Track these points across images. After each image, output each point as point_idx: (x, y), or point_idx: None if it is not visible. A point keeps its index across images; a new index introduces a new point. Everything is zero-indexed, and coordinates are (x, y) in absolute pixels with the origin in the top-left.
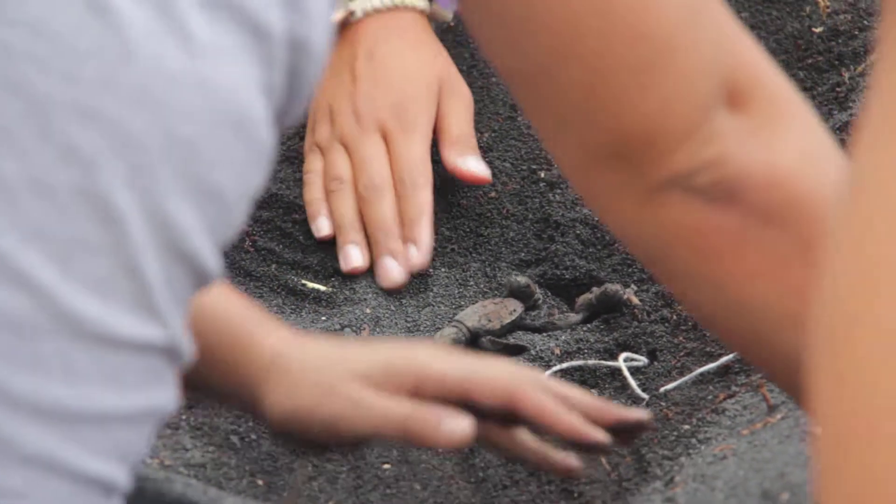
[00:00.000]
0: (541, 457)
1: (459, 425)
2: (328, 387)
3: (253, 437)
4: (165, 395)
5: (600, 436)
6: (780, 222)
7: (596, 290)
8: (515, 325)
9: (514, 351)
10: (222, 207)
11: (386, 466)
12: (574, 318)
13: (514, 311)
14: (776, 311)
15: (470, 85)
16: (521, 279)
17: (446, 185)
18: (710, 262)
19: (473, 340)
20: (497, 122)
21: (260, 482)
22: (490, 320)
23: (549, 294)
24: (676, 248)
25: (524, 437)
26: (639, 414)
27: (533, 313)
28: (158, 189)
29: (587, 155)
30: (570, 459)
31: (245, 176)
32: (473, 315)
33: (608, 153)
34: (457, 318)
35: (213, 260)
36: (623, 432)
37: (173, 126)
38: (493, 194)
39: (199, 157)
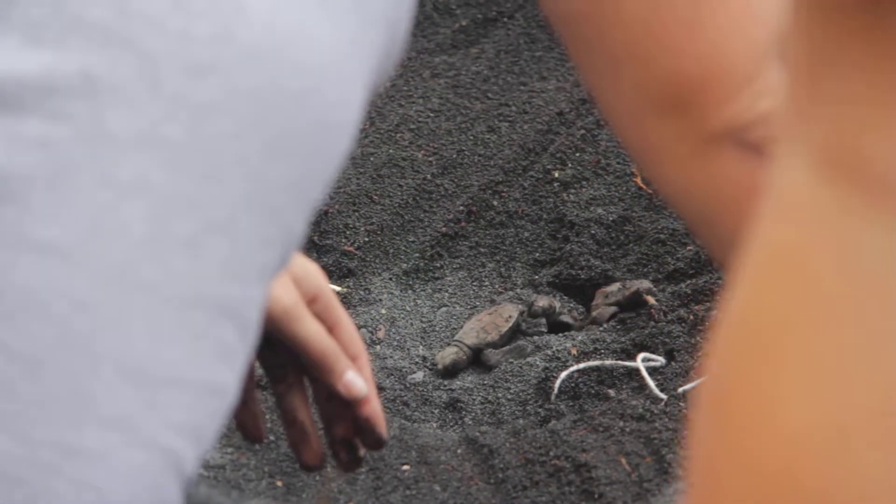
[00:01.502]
0: (304, 432)
1: (357, 384)
2: (280, 284)
3: (272, 438)
4: (232, 378)
5: (383, 432)
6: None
7: (618, 287)
8: (514, 331)
9: (518, 354)
10: (317, 166)
11: (405, 467)
12: (606, 312)
13: (510, 317)
14: None
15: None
16: (544, 301)
17: (458, 190)
18: None
19: (476, 356)
20: (509, 118)
21: (279, 483)
22: (488, 332)
23: (565, 297)
24: (726, 206)
25: (301, 409)
26: (382, 433)
27: (532, 320)
28: (262, 147)
29: (642, 100)
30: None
31: (343, 135)
32: (471, 332)
33: (663, 98)
34: (456, 337)
35: (300, 224)
36: (366, 436)
37: (284, 81)
38: (506, 194)
39: (306, 113)
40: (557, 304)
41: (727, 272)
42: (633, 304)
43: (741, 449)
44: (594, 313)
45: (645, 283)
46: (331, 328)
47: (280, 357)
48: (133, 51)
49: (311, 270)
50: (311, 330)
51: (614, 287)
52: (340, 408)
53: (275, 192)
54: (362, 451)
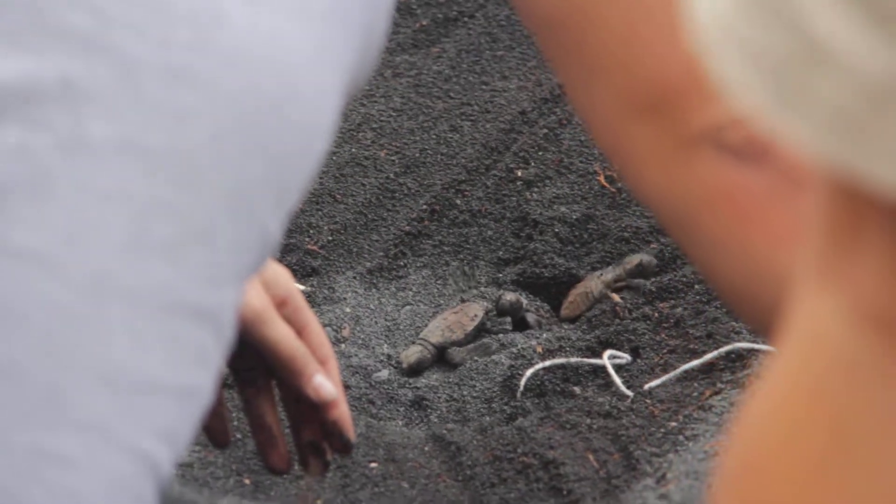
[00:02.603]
0: (272, 436)
1: (326, 388)
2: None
3: (238, 436)
4: (209, 381)
5: (351, 436)
6: (809, 186)
7: (627, 263)
8: (479, 330)
9: (483, 352)
10: (294, 170)
11: (373, 465)
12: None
13: (476, 316)
14: None
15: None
16: (511, 296)
17: (421, 189)
18: (736, 224)
19: (441, 355)
20: (471, 117)
21: (247, 481)
22: (453, 331)
23: (530, 295)
24: (703, 208)
25: (269, 412)
26: (350, 437)
27: (498, 319)
28: (239, 151)
29: (621, 104)
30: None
31: (319, 137)
32: (436, 330)
33: (642, 102)
34: (420, 336)
35: (277, 228)
36: (331, 439)
37: (262, 86)
38: (469, 193)
39: (283, 117)
40: (524, 301)
41: (704, 273)
42: (639, 275)
43: None
44: (565, 311)
45: (646, 256)
46: (299, 331)
47: (249, 360)
48: (113, 58)
49: (280, 274)
50: (280, 333)
51: (601, 273)
52: (308, 411)
53: (252, 197)
54: (330, 455)
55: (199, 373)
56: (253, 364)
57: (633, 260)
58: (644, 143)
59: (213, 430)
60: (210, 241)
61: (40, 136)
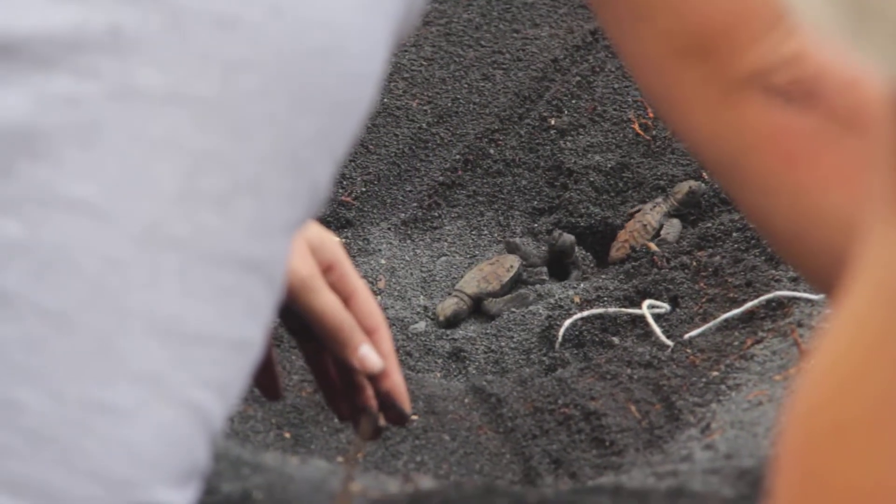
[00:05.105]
0: (337, 388)
1: (371, 359)
2: (297, 253)
3: None
4: (259, 333)
5: (406, 407)
6: (856, 128)
7: (676, 192)
8: (516, 281)
9: (520, 303)
10: (342, 121)
11: (414, 417)
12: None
13: (512, 266)
14: (850, 223)
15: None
16: (569, 236)
17: (454, 139)
18: (785, 168)
19: (477, 306)
20: (503, 66)
21: (287, 435)
22: (489, 282)
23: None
24: (751, 152)
25: (332, 365)
26: (404, 408)
27: (534, 269)
28: (288, 102)
29: (667, 47)
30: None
31: (366, 88)
32: (472, 281)
33: (689, 44)
34: (456, 287)
35: (326, 178)
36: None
37: (307, 36)
38: (503, 142)
39: (329, 67)
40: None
41: (750, 217)
42: (690, 202)
43: None
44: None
45: (693, 182)
46: (346, 298)
47: (305, 321)
48: (162, 6)
49: (326, 239)
50: (326, 303)
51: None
52: (361, 378)
53: (301, 148)
54: (382, 422)
55: (250, 325)
56: (307, 323)
57: (683, 188)
58: (691, 86)
59: (264, 384)
60: (260, 192)
61: (90, 86)
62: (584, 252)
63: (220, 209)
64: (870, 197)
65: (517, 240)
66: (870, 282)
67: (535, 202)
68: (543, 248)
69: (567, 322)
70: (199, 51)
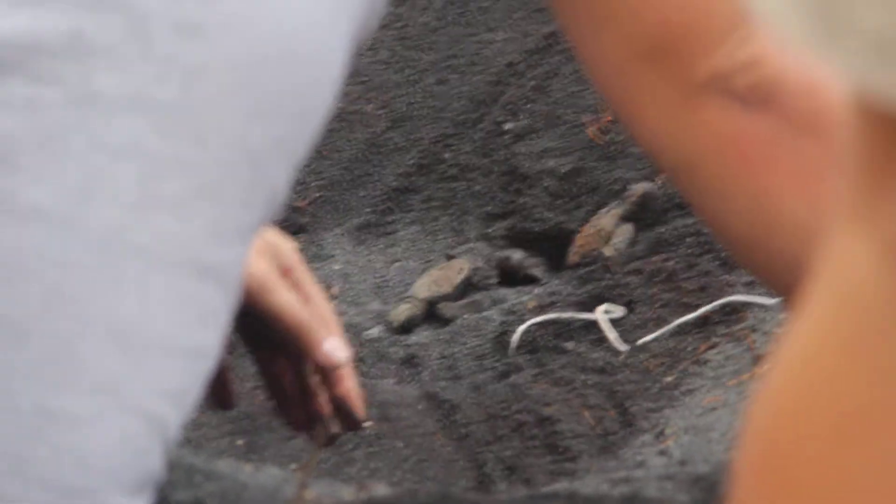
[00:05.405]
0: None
1: (338, 352)
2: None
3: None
4: (216, 341)
5: (360, 413)
6: (815, 133)
7: (630, 195)
8: (467, 284)
9: (474, 308)
10: (300, 127)
11: (367, 424)
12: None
13: (462, 269)
14: (806, 228)
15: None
16: (518, 254)
17: (409, 144)
18: (743, 172)
19: (431, 310)
20: (458, 70)
21: (239, 442)
22: (440, 285)
23: (522, 250)
24: (709, 156)
25: (285, 374)
26: (358, 413)
27: (485, 273)
28: (246, 109)
29: (627, 50)
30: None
31: (325, 93)
32: (423, 286)
33: (649, 47)
34: (408, 293)
35: (284, 184)
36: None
37: (264, 44)
38: (457, 147)
39: (287, 75)
40: (524, 258)
41: (708, 222)
42: (645, 205)
43: None
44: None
45: (647, 184)
46: (303, 303)
47: (258, 326)
48: (123, 10)
49: (282, 244)
50: (286, 301)
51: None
52: (315, 384)
53: (259, 153)
54: (335, 429)
55: (208, 332)
56: (262, 329)
57: (637, 190)
58: (651, 89)
59: (217, 393)
60: (218, 197)
61: (49, 91)
62: (535, 258)
63: (179, 215)
64: (832, 202)
65: (516, 255)
66: (833, 289)
67: (490, 207)
68: (497, 253)
69: (521, 328)
70: (160, 57)
